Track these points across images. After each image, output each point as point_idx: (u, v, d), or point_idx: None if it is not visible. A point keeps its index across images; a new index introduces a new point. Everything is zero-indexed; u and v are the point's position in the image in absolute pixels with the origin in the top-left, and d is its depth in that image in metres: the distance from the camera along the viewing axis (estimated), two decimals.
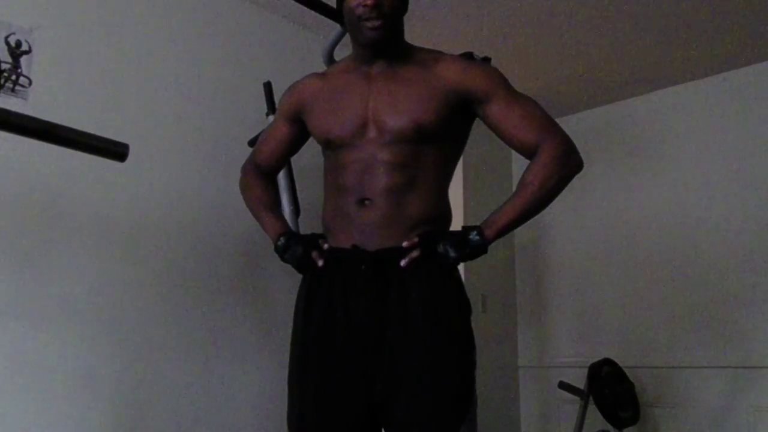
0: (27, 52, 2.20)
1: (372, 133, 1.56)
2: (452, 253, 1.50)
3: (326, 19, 2.39)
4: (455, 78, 1.58)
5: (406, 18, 1.65)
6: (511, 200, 1.55)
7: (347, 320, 1.49)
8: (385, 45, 1.58)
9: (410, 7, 1.66)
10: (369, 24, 1.53)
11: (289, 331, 1.61)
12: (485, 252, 1.53)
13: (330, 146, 1.63)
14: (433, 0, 2.91)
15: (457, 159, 1.69)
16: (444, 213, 1.62)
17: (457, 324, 1.53)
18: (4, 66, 2.13)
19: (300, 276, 1.65)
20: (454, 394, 1.47)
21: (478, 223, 1.54)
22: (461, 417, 1.46)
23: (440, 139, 1.58)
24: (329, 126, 1.62)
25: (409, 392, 1.45)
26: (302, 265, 1.61)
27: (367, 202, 1.53)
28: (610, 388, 3.36)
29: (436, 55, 1.63)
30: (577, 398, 3.44)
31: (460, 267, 1.59)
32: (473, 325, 1.57)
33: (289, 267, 1.64)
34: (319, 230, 1.67)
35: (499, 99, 1.58)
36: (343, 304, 1.51)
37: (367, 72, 1.62)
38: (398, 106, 1.55)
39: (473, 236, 1.50)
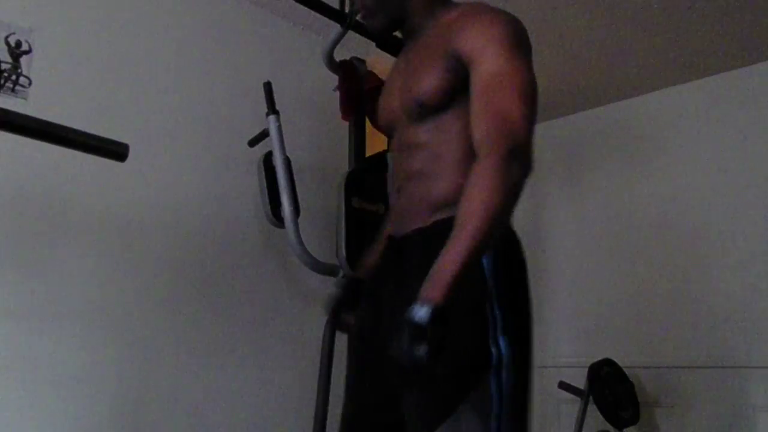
0: (27, 52, 2.20)
1: (400, 114, 1.43)
2: (419, 352, 1.06)
3: (326, 19, 2.39)
4: (452, 36, 1.32)
5: None
6: (450, 246, 1.14)
7: (375, 314, 1.42)
8: (390, 29, 1.49)
9: None
10: (360, 16, 1.50)
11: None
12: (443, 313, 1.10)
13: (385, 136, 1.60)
14: None
15: None
16: None
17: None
18: (4, 66, 2.13)
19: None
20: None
21: None
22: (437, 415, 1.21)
23: (459, 106, 1.32)
24: (377, 116, 1.56)
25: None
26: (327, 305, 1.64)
27: (401, 189, 1.43)
28: (610, 388, 3.35)
29: (464, 9, 1.38)
30: (577, 398, 3.44)
31: None
32: None
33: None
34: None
35: (481, 66, 1.26)
36: (376, 297, 1.45)
37: (407, 49, 1.51)
38: (408, 80, 1.41)
39: (421, 315, 1.07)
